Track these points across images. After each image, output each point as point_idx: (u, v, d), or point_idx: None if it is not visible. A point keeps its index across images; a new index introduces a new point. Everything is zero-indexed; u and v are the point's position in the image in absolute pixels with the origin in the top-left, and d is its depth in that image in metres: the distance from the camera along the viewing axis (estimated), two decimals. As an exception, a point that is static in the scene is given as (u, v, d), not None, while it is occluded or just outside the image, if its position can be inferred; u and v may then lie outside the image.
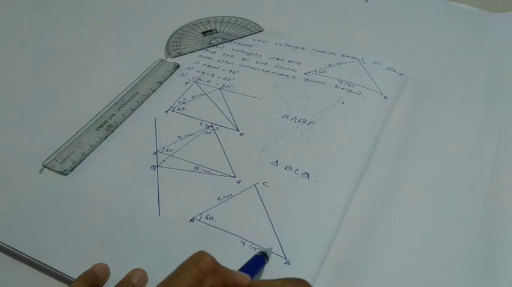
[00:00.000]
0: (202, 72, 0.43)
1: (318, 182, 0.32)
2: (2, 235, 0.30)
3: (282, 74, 0.43)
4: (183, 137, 0.36)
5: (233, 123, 0.38)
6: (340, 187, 0.33)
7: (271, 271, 0.28)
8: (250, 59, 0.45)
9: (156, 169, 0.34)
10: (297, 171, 0.33)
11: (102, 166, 0.35)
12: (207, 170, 0.34)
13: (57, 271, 0.28)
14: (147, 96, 0.40)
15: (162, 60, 0.45)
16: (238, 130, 0.37)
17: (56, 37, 0.50)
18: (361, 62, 0.44)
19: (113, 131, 0.37)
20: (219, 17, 0.52)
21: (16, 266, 0.29)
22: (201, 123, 0.38)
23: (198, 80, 0.42)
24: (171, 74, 0.43)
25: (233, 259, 0.28)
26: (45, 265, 0.28)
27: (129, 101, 0.40)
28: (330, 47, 0.46)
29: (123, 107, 0.39)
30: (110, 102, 0.40)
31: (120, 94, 0.41)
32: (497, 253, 0.29)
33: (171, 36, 0.49)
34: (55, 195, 0.32)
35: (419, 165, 0.35)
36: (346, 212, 0.31)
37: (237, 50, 0.47)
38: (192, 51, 0.47)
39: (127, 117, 0.39)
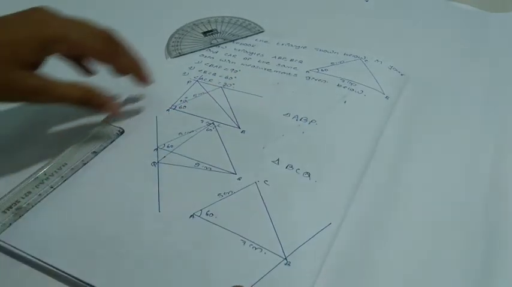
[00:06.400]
0: (204, 72, 0.44)
1: (318, 182, 0.32)
2: (3, 235, 0.30)
3: (283, 73, 0.43)
4: (184, 134, 0.36)
5: (234, 120, 0.38)
6: (341, 187, 0.32)
7: (271, 272, 0.27)
8: (252, 58, 0.45)
9: (156, 165, 0.34)
10: (298, 170, 0.33)
11: (103, 164, 0.34)
12: (207, 166, 0.34)
13: (58, 269, 0.28)
14: (75, 170, 0.34)
15: (104, 124, 0.37)
16: (239, 128, 0.37)
17: None
18: (363, 60, 0.44)
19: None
20: (219, 17, 0.52)
21: (16, 266, 0.29)
22: (202, 121, 0.38)
23: (200, 79, 0.43)
24: (112, 141, 0.36)
25: (234, 258, 0.28)
26: (46, 263, 0.28)
27: (52, 175, 0.33)
28: (332, 46, 0.46)
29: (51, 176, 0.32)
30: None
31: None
32: (497, 253, 0.29)
33: (171, 37, 0.49)
34: (56, 193, 0.32)
35: (420, 165, 0.35)
36: (347, 213, 0.31)
37: (239, 50, 0.47)
38: (192, 51, 0.47)
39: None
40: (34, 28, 0.31)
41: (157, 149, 0.35)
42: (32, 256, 0.28)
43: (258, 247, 0.28)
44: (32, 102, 0.33)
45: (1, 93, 0.31)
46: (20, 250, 0.29)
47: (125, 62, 0.36)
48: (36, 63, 0.32)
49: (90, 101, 0.34)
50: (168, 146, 0.35)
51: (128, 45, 0.37)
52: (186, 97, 0.40)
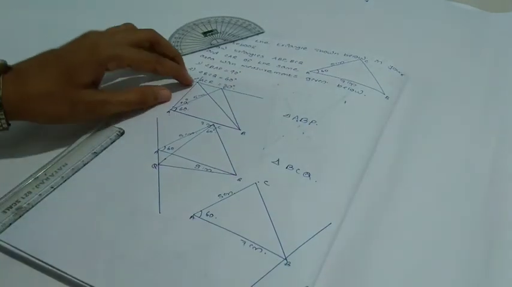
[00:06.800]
0: (205, 73, 0.44)
1: (319, 182, 0.32)
2: (3, 235, 0.30)
3: (284, 74, 0.43)
4: (184, 136, 0.36)
5: (234, 122, 0.38)
6: (341, 187, 0.32)
7: (271, 272, 0.27)
8: (253, 59, 0.45)
9: (157, 167, 0.34)
10: (298, 171, 0.33)
11: (103, 165, 0.34)
12: (208, 168, 0.34)
13: (58, 269, 0.28)
14: (76, 170, 0.34)
15: (104, 124, 0.37)
16: (239, 129, 0.37)
17: (43, 39, 0.49)
18: (363, 60, 0.44)
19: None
20: (219, 17, 0.52)
21: (16, 266, 0.29)
22: (203, 123, 0.38)
23: (200, 80, 0.43)
24: (112, 142, 0.36)
25: (234, 258, 0.28)
26: (46, 264, 0.28)
27: (52, 175, 0.33)
28: (332, 46, 0.46)
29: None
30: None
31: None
32: (497, 253, 0.29)
33: (171, 36, 0.49)
34: (56, 193, 0.32)
35: (419, 165, 0.35)
36: (346, 213, 0.31)
37: (240, 51, 0.47)
38: (193, 52, 0.47)
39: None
40: (87, 54, 0.35)
41: (157, 151, 0.35)
42: (32, 256, 0.28)
43: (258, 247, 0.28)
44: (99, 115, 0.37)
45: (73, 113, 0.35)
46: (20, 250, 0.29)
47: (168, 68, 0.41)
48: (96, 81, 0.36)
49: (147, 100, 0.39)
50: (168, 148, 0.35)
51: (170, 45, 0.42)
52: (187, 99, 0.40)
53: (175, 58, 0.42)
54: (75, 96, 0.34)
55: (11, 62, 0.34)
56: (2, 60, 0.34)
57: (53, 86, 0.34)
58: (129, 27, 0.40)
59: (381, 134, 0.37)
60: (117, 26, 0.40)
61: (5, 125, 0.33)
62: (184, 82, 0.42)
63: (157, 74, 0.42)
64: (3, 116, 0.33)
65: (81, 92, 0.34)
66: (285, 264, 0.28)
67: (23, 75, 0.34)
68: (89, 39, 0.36)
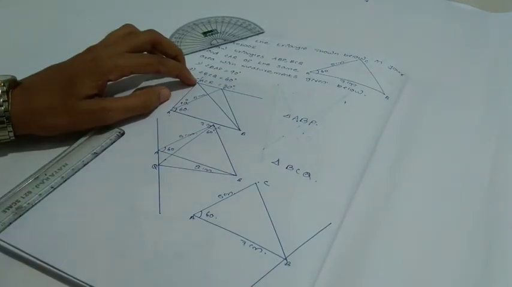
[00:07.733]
0: (205, 73, 0.44)
1: (318, 182, 0.32)
2: (3, 234, 0.30)
3: (284, 74, 0.43)
4: (184, 136, 0.36)
5: (234, 122, 0.38)
6: (341, 187, 0.32)
7: (271, 272, 0.27)
8: (253, 59, 0.45)
9: (157, 168, 0.34)
10: (298, 171, 0.33)
11: (103, 165, 0.35)
12: (208, 168, 0.34)
13: (58, 269, 0.28)
14: (76, 170, 0.34)
15: (107, 125, 0.37)
16: (239, 129, 0.37)
17: (44, 37, 0.50)
18: (363, 60, 0.44)
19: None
20: (219, 17, 0.52)
21: (16, 266, 0.29)
22: (203, 123, 0.38)
23: (200, 81, 0.43)
24: (113, 142, 0.36)
25: (234, 258, 0.28)
26: (46, 264, 0.28)
27: (52, 175, 0.33)
28: (332, 46, 0.46)
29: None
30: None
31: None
32: (496, 253, 0.29)
33: (171, 36, 0.49)
34: (56, 193, 0.32)
35: (419, 165, 0.35)
36: (346, 213, 0.31)
37: (240, 51, 0.47)
38: (193, 52, 0.47)
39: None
40: (88, 67, 0.36)
41: (158, 152, 0.35)
42: (32, 256, 0.28)
43: (258, 247, 0.29)
44: (102, 123, 0.37)
45: (76, 123, 0.36)
46: (20, 250, 0.29)
47: (171, 68, 0.41)
48: (99, 94, 0.37)
49: (150, 102, 0.39)
50: (168, 149, 0.35)
51: (171, 43, 0.42)
52: (187, 99, 0.40)
53: (177, 57, 0.42)
54: (76, 107, 0.35)
55: (10, 63, 0.35)
56: (12, 76, 0.35)
57: (55, 100, 0.35)
58: (129, 31, 0.40)
59: (381, 134, 0.37)
60: (117, 30, 0.40)
61: (12, 138, 0.35)
62: (187, 82, 0.42)
63: (161, 75, 0.42)
64: (11, 129, 0.34)
65: (81, 102, 0.35)
66: (285, 264, 0.28)
67: (28, 90, 0.35)
68: (90, 53, 0.37)
